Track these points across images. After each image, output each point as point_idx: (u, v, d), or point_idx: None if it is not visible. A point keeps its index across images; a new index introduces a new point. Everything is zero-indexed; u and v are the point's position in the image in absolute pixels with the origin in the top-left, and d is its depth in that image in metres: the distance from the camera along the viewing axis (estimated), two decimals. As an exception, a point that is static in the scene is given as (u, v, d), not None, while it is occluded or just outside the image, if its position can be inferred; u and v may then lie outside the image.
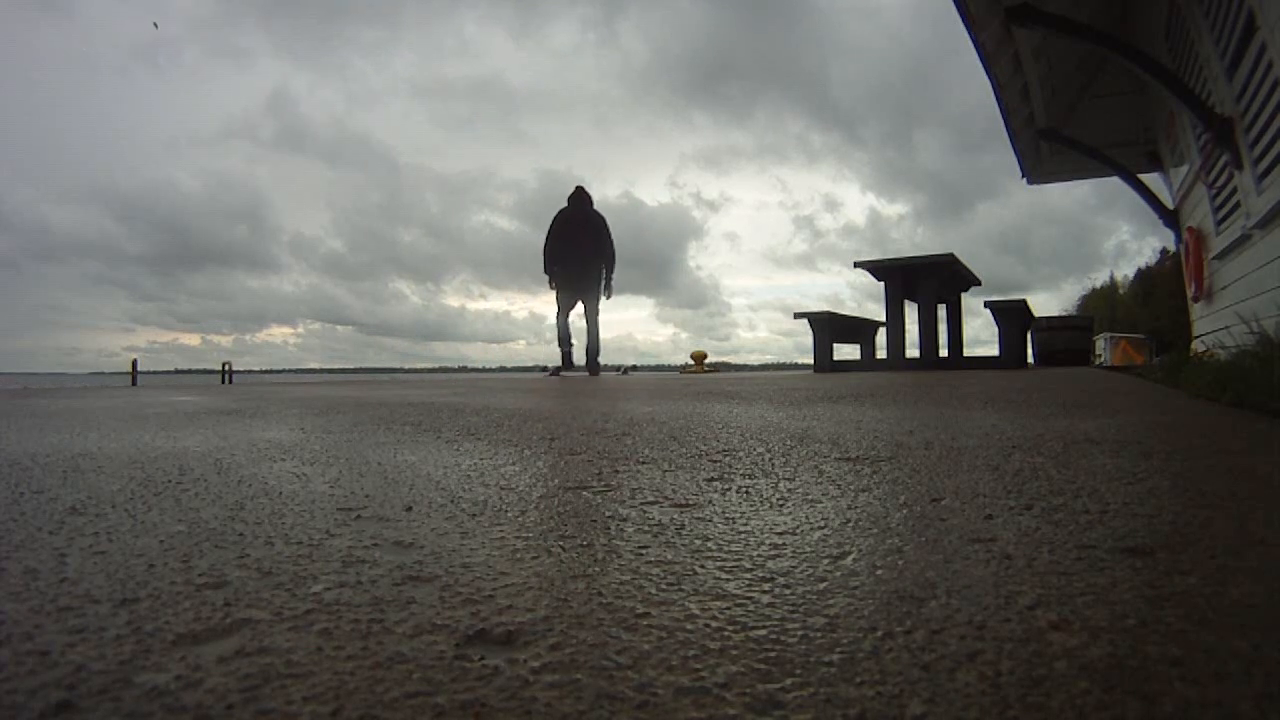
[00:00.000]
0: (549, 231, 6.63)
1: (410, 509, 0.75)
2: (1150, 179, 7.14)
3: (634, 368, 19.40)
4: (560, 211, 6.70)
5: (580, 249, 6.52)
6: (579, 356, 6.83)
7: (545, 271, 6.62)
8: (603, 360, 7.00)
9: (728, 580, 0.50)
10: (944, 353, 7.63)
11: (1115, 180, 7.12)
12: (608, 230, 6.68)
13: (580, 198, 6.71)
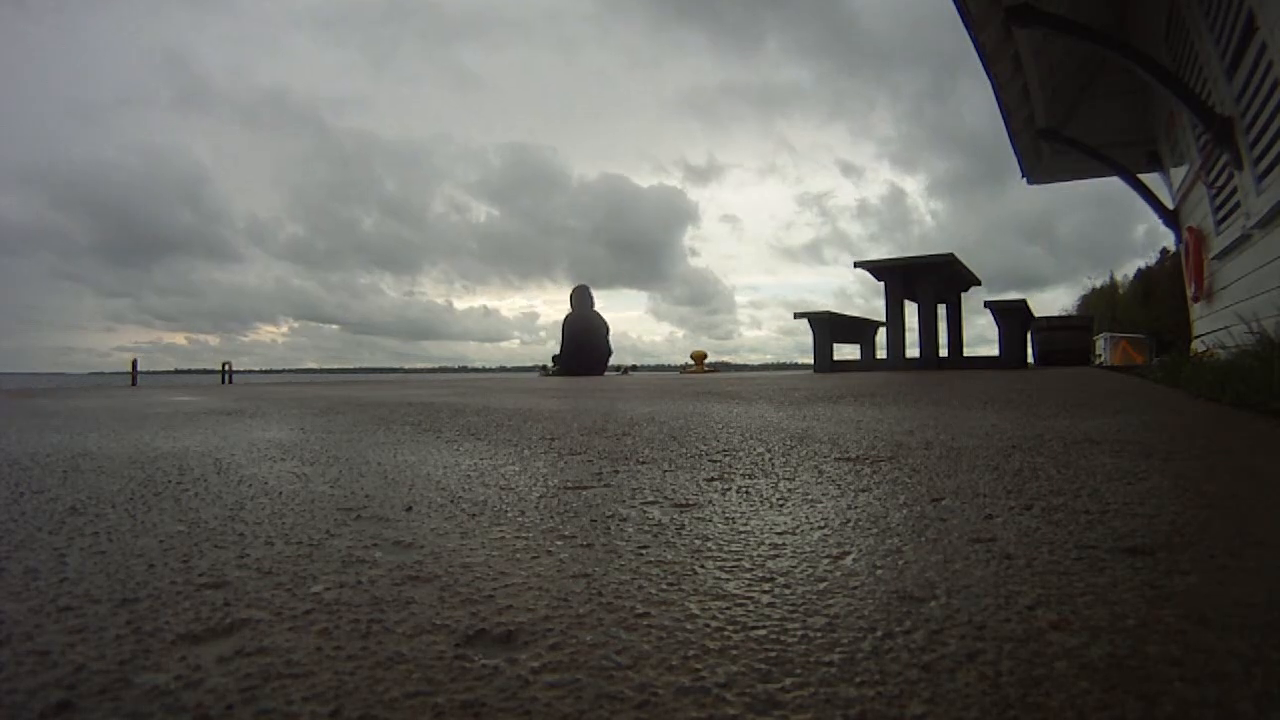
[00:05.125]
0: (564, 332, 8.43)
1: (410, 509, 0.75)
2: (1150, 179, 7.14)
3: (634, 368, 19.53)
4: (568, 315, 8.42)
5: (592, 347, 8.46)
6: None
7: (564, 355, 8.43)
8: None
9: (728, 580, 0.50)
10: (944, 353, 7.63)
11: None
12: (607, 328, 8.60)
13: (584, 299, 8.48)
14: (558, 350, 8.59)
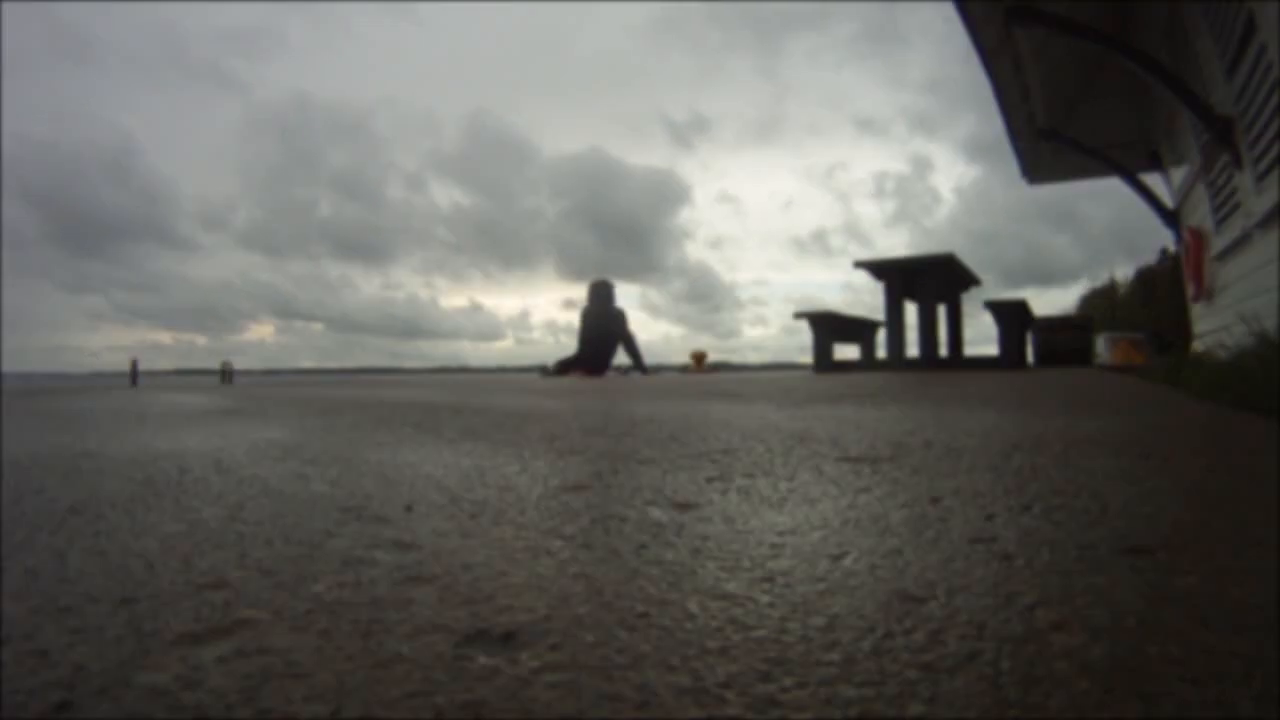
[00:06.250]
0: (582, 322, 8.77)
1: (410, 509, 0.75)
2: (1150, 179, 7.14)
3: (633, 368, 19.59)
4: (585, 308, 8.80)
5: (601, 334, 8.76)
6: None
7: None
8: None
9: (728, 580, 0.50)
10: (944, 353, 7.63)
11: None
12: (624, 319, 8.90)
13: (601, 293, 8.86)
14: (574, 347, 9.01)
